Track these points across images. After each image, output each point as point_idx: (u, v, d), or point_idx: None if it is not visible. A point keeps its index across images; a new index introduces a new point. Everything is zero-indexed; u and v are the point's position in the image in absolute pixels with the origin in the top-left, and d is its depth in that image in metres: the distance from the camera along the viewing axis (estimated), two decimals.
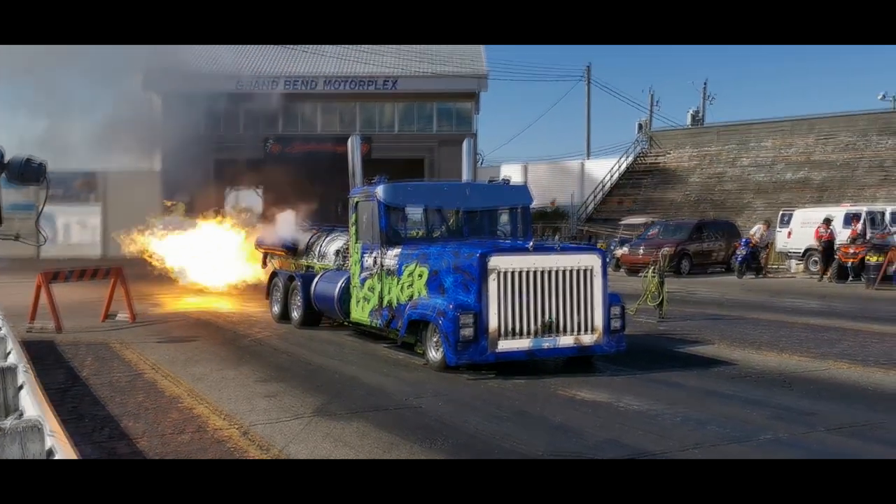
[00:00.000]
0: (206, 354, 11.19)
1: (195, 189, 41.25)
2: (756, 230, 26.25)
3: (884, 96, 48.61)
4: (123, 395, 8.50)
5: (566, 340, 9.51)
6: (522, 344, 9.33)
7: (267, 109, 41.84)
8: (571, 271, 9.53)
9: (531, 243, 9.90)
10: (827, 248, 23.83)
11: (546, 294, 9.40)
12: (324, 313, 13.39)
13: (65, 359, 10.82)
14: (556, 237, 37.41)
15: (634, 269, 24.82)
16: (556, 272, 9.45)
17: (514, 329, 9.29)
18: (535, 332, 9.36)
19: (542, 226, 38.80)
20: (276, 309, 14.61)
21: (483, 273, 9.20)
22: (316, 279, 13.37)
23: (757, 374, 9.53)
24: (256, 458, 6.25)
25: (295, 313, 13.91)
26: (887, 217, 24.72)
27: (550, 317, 9.40)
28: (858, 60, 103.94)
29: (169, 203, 24.20)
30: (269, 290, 15.18)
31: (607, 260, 10.16)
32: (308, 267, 14.90)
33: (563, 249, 9.93)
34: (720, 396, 8.38)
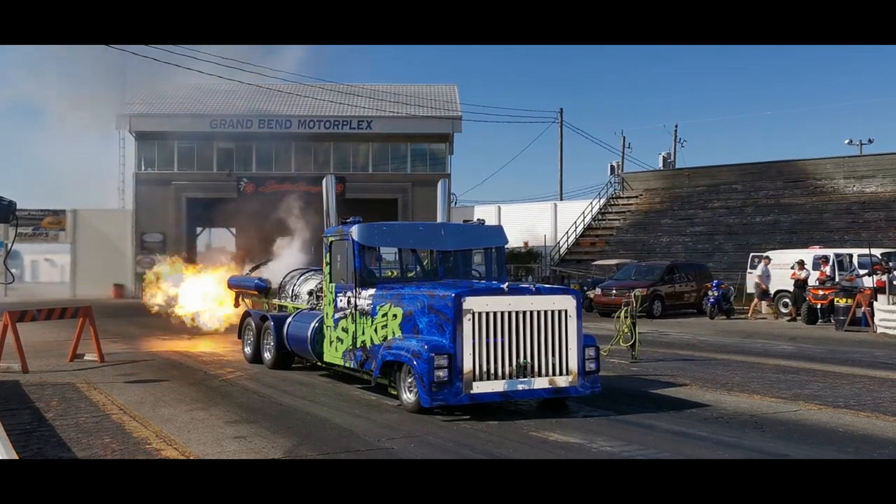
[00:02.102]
0: (176, 395, 11.02)
1: (167, 228, 41.04)
2: (759, 267, 25.99)
3: (850, 142, 49.82)
4: (90, 438, 8.34)
5: (541, 382, 9.47)
6: (497, 386, 9.28)
7: (241, 149, 41.84)
8: (546, 313, 9.52)
9: (506, 284, 9.89)
10: (800, 288, 24.13)
11: (521, 336, 9.38)
12: (297, 354, 13.26)
13: (30, 400, 10.61)
14: (530, 278, 37.56)
15: (607, 311, 24.91)
16: (531, 314, 9.45)
17: (488, 371, 9.25)
18: (510, 374, 9.32)
19: (516, 267, 38.92)
20: (248, 349, 14.46)
21: (458, 314, 9.18)
22: (289, 319, 13.26)
23: (729, 416, 9.55)
24: None
25: (267, 354, 13.76)
26: (855, 260, 25.06)
27: (525, 359, 9.38)
28: (826, 109, 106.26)
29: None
30: (241, 330, 15.03)
31: (580, 301, 10.15)
32: (281, 307, 14.80)
33: (538, 291, 9.89)
34: (693, 439, 8.38)
